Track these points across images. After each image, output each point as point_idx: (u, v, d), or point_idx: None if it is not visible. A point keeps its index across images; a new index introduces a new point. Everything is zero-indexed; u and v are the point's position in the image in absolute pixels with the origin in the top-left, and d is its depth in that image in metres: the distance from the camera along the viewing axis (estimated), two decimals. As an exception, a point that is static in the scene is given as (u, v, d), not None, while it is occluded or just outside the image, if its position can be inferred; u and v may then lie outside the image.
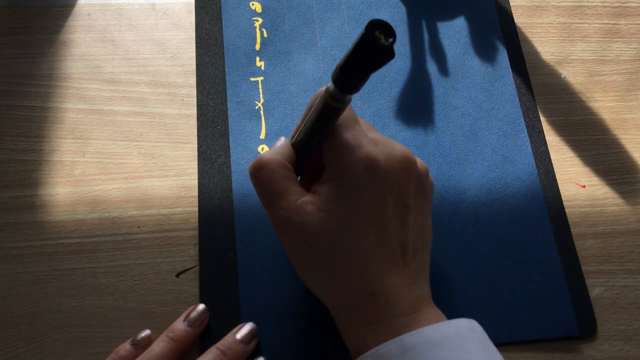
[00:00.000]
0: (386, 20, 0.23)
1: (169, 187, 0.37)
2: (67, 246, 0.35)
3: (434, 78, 0.41)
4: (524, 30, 0.44)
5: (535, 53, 0.43)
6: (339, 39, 0.42)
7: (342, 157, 0.28)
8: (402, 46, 0.42)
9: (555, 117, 0.41)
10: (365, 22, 0.42)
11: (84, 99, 0.39)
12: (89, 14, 0.42)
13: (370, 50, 0.23)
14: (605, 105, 0.41)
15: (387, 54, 0.23)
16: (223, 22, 0.42)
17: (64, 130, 0.38)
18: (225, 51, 0.41)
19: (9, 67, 0.39)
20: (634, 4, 0.45)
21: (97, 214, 0.36)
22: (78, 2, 0.42)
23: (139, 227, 0.36)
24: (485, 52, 0.42)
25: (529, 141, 0.39)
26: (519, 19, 0.44)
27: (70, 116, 0.38)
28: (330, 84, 0.26)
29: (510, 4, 0.44)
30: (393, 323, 0.27)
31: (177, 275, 0.35)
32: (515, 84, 0.41)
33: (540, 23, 0.44)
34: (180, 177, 0.37)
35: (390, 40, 0.23)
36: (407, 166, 0.29)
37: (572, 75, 0.42)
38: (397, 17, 0.43)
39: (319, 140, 0.29)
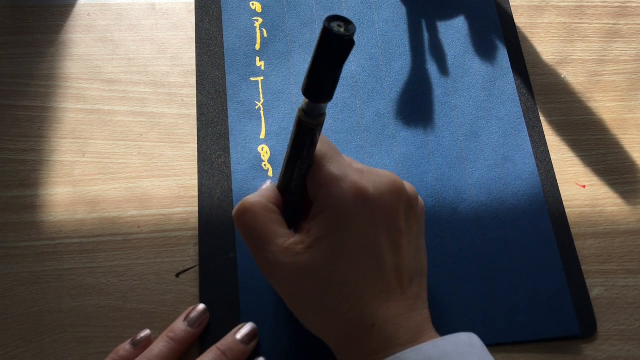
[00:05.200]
0: (343, 15, 0.23)
1: (169, 187, 0.37)
2: (67, 246, 0.35)
3: (434, 78, 0.41)
4: (524, 30, 0.44)
5: (535, 53, 0.43)
6: None
7: (329, 189, 0.27)
8: (401, 46, 0.42)
9: (555, 117, 0.41)
10: (366, 23, 0.42)
11: (84, 99, 0.39)
12: (89, 14, 0.42)
13: (331, 41, 0.23)
14: (605, 105, 0.41)
15: (348, 43, 0.23)
16: (223, 22, 0.42)
17: (64, 130, 0.38)
18: (225, 51, 0.41)
19: (9, 67, 0.39)
20: (634, 4, 0.45)
21: (97, 214, 0.36)
22: (78, 2, 0.42)
23: (139, 227, 0.36)
24: (485, 51, 0.42)
25: (529, 141, 0.39)
26: (519, 19, 0.44)
27: (70, 116, 0.38)
28: (302, 102, 0.26)
29: (511, 4, 0.44)
30: (394, 353, 0.26)
31: (177, 275, 0.35)
32: (516, 83, 0.41)
33: (541, 23, 0.44)
34: (180, 177, 0.37)
35: (350, 27, 0.23)
36: (396, 191, 0.28)
37: (572, 75, 0.42)
38: (397, 17, 0.43)
39: (301, 175, 0.29)
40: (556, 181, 0.38)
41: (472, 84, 0.41)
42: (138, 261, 0.35)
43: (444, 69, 0.41)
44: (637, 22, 0.44)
